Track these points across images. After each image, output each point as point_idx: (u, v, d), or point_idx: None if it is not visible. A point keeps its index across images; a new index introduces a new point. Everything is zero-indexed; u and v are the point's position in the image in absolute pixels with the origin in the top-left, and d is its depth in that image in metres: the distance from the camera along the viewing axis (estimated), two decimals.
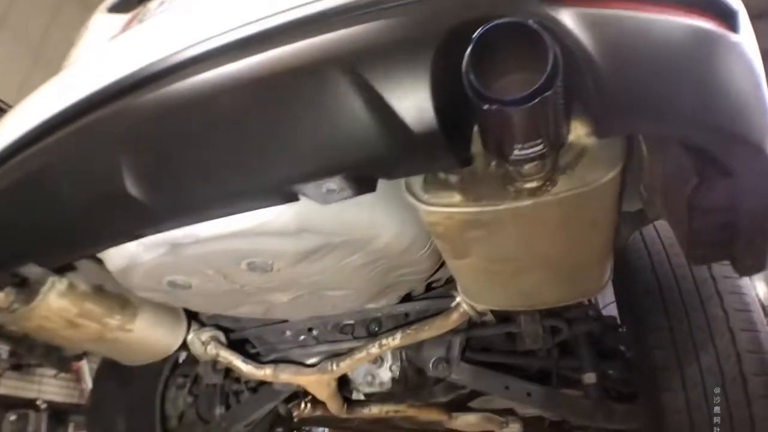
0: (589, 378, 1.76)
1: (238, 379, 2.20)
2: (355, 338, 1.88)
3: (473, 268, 1.21)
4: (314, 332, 1.92)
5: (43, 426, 4.66)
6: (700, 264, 1.45)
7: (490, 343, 1.91)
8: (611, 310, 1.95)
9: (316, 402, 2.26)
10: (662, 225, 1.60)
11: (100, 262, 1.43)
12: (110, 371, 2.14)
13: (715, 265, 1.47)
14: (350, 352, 1.74)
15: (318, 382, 1.86)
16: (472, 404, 2.50)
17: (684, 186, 0.90)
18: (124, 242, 1.14)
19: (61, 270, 1.45)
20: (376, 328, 1.89)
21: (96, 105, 1.00)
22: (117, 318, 1.62)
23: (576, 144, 0.92)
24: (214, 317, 1.94)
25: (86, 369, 5.19)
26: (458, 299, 1.55)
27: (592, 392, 1.74)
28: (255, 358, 1.88)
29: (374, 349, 1.69)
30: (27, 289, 1.50)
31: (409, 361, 2.05)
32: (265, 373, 1.82)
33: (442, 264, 1.44)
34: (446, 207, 1.02)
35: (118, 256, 1.27)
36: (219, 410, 2.27)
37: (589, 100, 0.78)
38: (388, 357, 2.00)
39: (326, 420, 2.91)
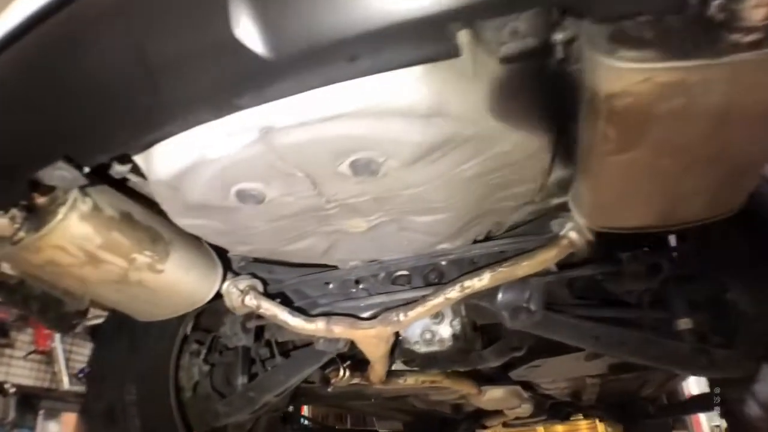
0: (685, 324, 1.58)
1: (268, 342, 1.91)
2: (415, 288, 1.63)
3: (632, 166, 0.99)
4: (362, 285, 1.66)
5: (11, 412, 4.16)
6: None
7: (572, 289, 1.70)
8: None
9: (355, 368, 2.01)
10: None
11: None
12: (118, 332, 1.80)
13: None
14: (423, 299, 1.49)
15: (378, 337, 1.60)
16: None
17: None
18: (210, 118, 0.85)
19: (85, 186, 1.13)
20: (436, 279, 1.64)
21: None
22: (147, 254, 1.31)
23: None
24: (247, 266, 1.65)
25: (60, 350, 4.68)
26: (568, 227, 1.33)
27: (688, 340, 1.56)
28: (302, 311, 1.60)
29: (454, 293, 1.45)
30: (37, 214, 1.18)
31: (469, 317, 1.82)
32: (316, 326, 1.54)
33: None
34: (648, 63, 0.79)
35: (179, 152, 0.97)
36: (241, 380, 1.98)
37: None
38: (448, 312, 1.77)
39: (343, 394, 2.66)
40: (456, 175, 1.09)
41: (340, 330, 1.55)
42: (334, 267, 1.67)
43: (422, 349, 1.77)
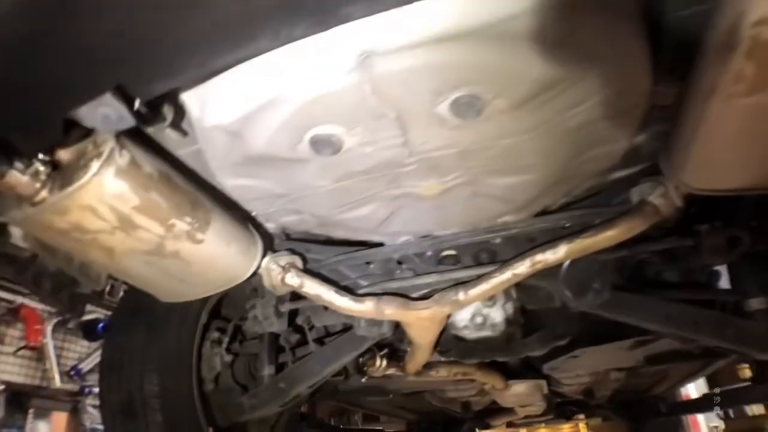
0: (758, 303, 1.48)
1: (299, 328, 1.75)
2: (467, 268, 1.49)
3: (759, 111, 0.87)
4: (405, 265, 1.52)
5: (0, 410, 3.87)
6: None
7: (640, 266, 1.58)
8: None
9: (391, 357, 1.86)
10: None
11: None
12: (135, 316, 1.62)
13: None
14: (487, 276, 1.35)
15: (431, 319, 1.45)
16: None
17: None
18: (306, 34, 0.69)
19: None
20: (487, 259, 1.51)
21: None
22: (187, 220, 1.14)
23: None
24: (282, 243, 1.50)
25: (51, 346, 4.38)
26: (656, 192, 1.20)
27: (761, 320, 1.45)
28: (349, 290, 1.45)
29: (523, 268, 1.31)
30: (61, 171, 1.02)
31: (520, 301, 1.69)
32: (366, 307, 1.39)
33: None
34: None
35: (251, 87, 0.82)
36: (268, 370, 1.81)
37: None
38: (500, 294, 1.63)
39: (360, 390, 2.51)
40: (558, 124, 0.96)
41: (392, 311, 1.40)
42: (378, 245, 1.53)
43: (472, 334, 1.64)
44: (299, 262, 1.44)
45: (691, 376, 3.23)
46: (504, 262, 1.36)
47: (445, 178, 1.10)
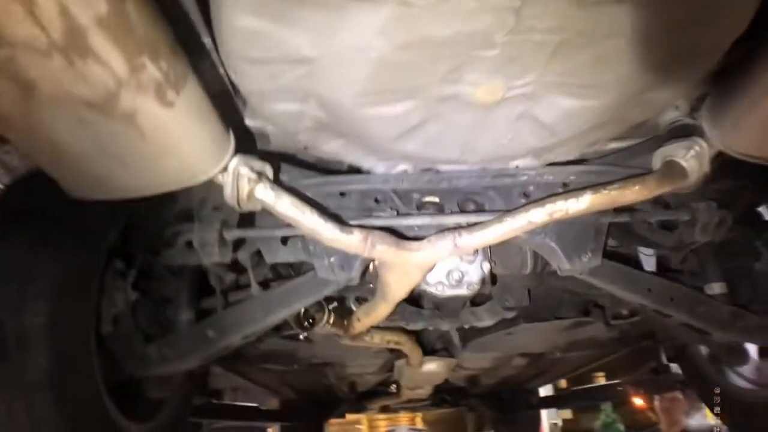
0: (719, 288, 1.51)
1: (237, 266, 1.41)
2: (461, 214, 1.32)
3: None
4: (382, 204, 1.30)
5: None
6: None
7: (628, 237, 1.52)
8: None
9: (340, 315, 1.60)
10: None
11: None
12: (21, 217, 1.15)
13: None
14: (499, 218, 1.17)
15: (420, 265, 1.24)
16: None
17: None
18: None
19: None
20: (473, 209, 1.35)
21: None
22: (162, 67, 0.79)
23: None
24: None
25: None
26: (692, 152, 1.12)
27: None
28: (336, 217, 1.18)
29: (539, 216, 1.16)
30: None
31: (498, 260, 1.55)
32: (353, 239, 1.13)
33: None
34: None
35: None
36: (186, 315, 1.45)
37: None
38: (480, 252, 1.47)
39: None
40: (659, 39, 0.82)
41: (383, 248, 1.16)
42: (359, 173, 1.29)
43: (444, 292, 1.44)
44: (270, 172, 1.13)
45: (571, 372, 3.41)
46: (524, 206, 1.19)
47: (514, 81, 0.90)
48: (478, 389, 4.16)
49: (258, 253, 1.40)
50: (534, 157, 1.24)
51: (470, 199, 1.39)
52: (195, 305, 1.46)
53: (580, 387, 4.21)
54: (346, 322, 1.62)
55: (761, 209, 1.77)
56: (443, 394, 4.50)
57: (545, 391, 4.99)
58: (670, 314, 1.45)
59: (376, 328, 1.91)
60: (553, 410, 6.33)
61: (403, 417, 9.90)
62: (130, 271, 1.41)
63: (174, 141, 0.90)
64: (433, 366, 2.59)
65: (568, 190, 1.21)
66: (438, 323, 1.79)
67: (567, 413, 7.38)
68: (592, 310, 1.95)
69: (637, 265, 1.64)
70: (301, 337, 1.63)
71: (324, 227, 1.11)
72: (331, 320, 1.54)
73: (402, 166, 1.25)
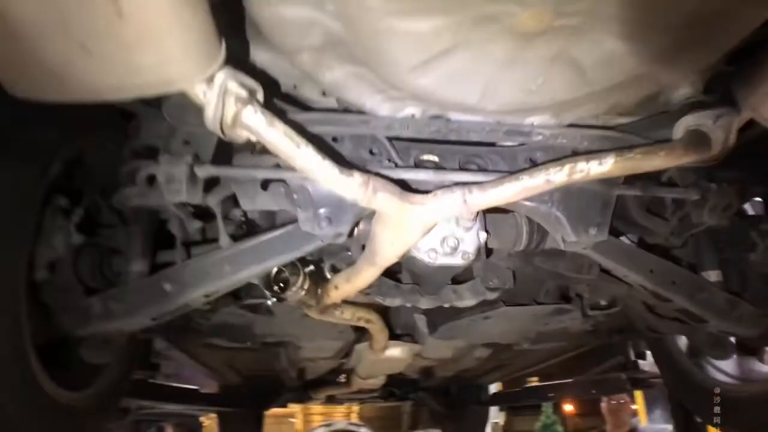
0: (716, 276, 1.47)
1: (203, 214, 1.22)
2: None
3: None
4: (376, 156, 1.16)
5: None
6: None
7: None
8: None
9: (315, 282, 1.44)
10: None
11: None
12: None
13: None
14: (515, 175, 1.05)
15: (422, 222, 1.10)
16: None
17: None
18: None
19: None
20: (474, 168, 1.25)
21: None
22: None
23: None
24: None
25: None
26: (721, 122, 1.05)
27: None
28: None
29: (559, 176, 1.05)
30: None
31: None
32: (353, 182, 0.98)
33: None
34: None
35: None
36: (139, 266, 1.25)
37: None
38: (478, 220, 1.34)
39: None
40: None
41: (385, 196, 1.01)
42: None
43: (437, 260, 1.30)
44: (261, 96, 0.96)
45: (530, 367, 3.38)
46: (541, 165, 1.08)
47: (565, 6, 0.78)
48: (429, 382, 4.08)
49: (231, 200, 1.21)
50: (553, 115, 1.13)
51: (472, 160, 1.27)
52: (149, 258, 1.26)
53: (530, 385, 4.20)
54: (320, 291, 1.45)
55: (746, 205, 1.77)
56: (392, 386, 4.40)
57: (493, 388, 5.01)
58: (669, 298, 1.38)
59: (348, 302, 1.76)
60: (494, 409, 6.40)
61: (339, 411, 9.79)
62: (76, 209, 1.19)
63: (157, 28, 0.72)
64: (396, 351, 2.46)
65: (590, 151, 1.10)
66: (417, 300, 1.66)
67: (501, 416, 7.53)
68: (573, 299, 1.88)
69: None
70: (269, 302, 1.45)
71: (321, 165, 0.95)
72: (306, 285, 1.37)
73: (410, 110, 1.11)
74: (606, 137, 1.19)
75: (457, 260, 1.31)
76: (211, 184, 1.16)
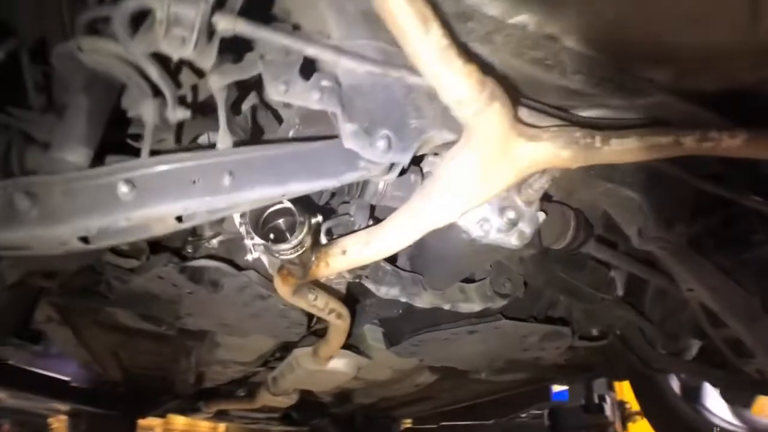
0: None
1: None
2: None
3: None
4: None
5: None
6: None
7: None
8: None
9: (315, 241, 1.06)
10: None
11: None
12: None
13: None
14: (642, 129, 0.80)
15: (520, 163, 0.80)
16: None
17: None
18: None
19: None
20: None
21: None
22: None
23: None
24: None
25: None
26: None
27: None
28: None
29: (689, 140, 0.81)
30: None
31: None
32: (470, 78, 0.67)
33: None
34: None
35: None
36: (77, 157, 0.82)
37: None
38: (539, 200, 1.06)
39: None
40: None
41: (500, 109, 0.71)
42: None
43: (490, 235, 0.99)
44: None
45: (466, 401, 3.11)
46: (666, 124, 0.84)
47: None
48: (341, 408, 3.67)
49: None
50: None
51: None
52: (94, 148, 0.83)
53: (446, 423, 3.94)
54: (314, 257, 1.08)
55: None
56: (296, 408, 3.92)
57: None
58: (727, 322, 1.18)
59: (323, 288, 1.40)
60: None
61: (202, 426, 8.98)
62: None
63: None
64: (340, 364, 2.09)
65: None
66: (417, 294, 1.35)
67: None
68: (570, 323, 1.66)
69: None
70: (249, 256, 1.05)
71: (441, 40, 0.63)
72: (307, 242, 1.00)
73: None
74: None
75: (512, 240, 1.02)
76: (231, 45, 0.78)
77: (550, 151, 0.78)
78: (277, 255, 1.00)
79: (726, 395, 1.43)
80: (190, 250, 1.42)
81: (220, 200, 0.77)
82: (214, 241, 1.41)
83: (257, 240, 0.95)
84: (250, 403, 3.31)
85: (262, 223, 0.98)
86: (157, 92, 0.79)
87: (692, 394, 1.65)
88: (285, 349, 2.38)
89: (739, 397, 1.41)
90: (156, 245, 1.41)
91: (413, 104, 0.83)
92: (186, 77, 0.82)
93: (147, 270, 1.38)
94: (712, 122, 0.87)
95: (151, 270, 1.36)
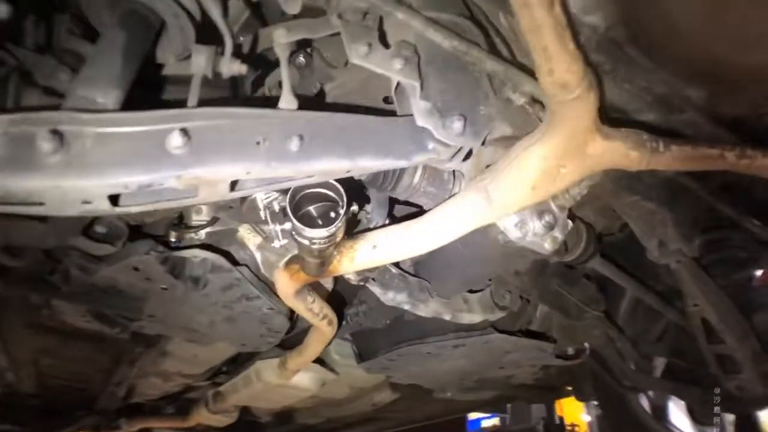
0: None
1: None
2: None
3: None
4: None
5: None
6: None
7: None
8: None
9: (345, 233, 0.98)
10: None
11: None
12: None
13: None
14: (692, 140, 0.82)
15: (591, 161, 0.79)
16: None
17: None
18: None
19: None
20: None
21: None
22: None
23: None
24: None
25: None
26: None
27: None
28: None
29: (731, 154, 0.84)
30: None
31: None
32: (579, 63, 0.65)
33: None
34: None
35: None
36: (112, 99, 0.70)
37: None
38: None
39: None
40: None
41: (594, 100, 0.69)
42: None
43: (527, 237, 0.96)
44: None
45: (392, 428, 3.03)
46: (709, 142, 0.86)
47: None
48: (276, 430, 3.46)
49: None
50: None
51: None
52: (127, 91, 0.72)
53: None
54: (336, 251, 1.00)
55: None
56: (231, 428, 3.65)
57: None
58: (724, 338, 1.23)
59: (320, 292, 1.31)
60: None
61: None
62: None
63: None
64: (305, 379, 1.96)
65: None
66: (422, 301, 1.29)
67: None
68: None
69: None
70: (277, 243, 0.95)
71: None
72: (341, 233, 0.92)
73: None
74: None
75: (546, 245, 1.00)
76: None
77: (621, 151, 0.77)
78: (308, 243, 0.91)
79: (694, 414, 1.49)
80: (173, 240, 1.28)
81: (285, 167, 0.68)
82: (202, 233, 1.28)
83: (287, 225, 0.86)
84: (183, 421, 3.03)
85: (294, 207, 0.90)
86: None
87: (659, 413, 1.71)
88: (232, 362, 2.22)
89: (708, 415, 1.47)
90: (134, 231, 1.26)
91: (484, 91, 0.80)
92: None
93: (121, 259, 1.22)
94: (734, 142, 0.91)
95: (126, 259, 1.21)
